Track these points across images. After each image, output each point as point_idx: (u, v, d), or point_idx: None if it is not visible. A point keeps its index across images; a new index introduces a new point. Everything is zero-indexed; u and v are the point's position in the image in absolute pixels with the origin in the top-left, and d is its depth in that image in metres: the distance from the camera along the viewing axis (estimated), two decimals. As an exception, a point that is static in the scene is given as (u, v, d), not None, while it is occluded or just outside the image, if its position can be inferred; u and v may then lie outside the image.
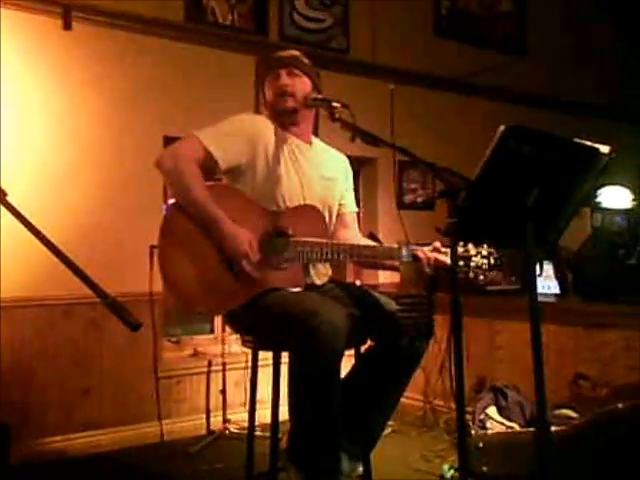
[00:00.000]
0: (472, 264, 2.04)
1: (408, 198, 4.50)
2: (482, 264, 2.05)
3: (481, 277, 2.03)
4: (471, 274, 2.03)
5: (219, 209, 1.95)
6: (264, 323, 1.98)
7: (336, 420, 1.88)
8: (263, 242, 2.01)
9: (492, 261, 2.05)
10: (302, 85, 2.16)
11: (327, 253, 2.02)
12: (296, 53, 2.24)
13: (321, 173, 2.23)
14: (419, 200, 4.55)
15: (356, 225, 2.36)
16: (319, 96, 2.15)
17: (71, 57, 3.34)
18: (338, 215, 2.30)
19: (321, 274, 2.17)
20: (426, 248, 2.10)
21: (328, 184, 2.24)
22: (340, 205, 2.30)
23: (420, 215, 4.31)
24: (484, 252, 2.04)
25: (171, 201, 2.08)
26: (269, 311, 1.94)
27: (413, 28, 4.59)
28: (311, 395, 1.85)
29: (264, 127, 2.15)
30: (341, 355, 1.84)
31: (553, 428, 2.32)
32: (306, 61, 2.23)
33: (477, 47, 4.86)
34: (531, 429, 2.73)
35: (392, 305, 2.10)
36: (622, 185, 5.01)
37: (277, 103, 2.17)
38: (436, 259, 2.07)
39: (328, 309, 1.83)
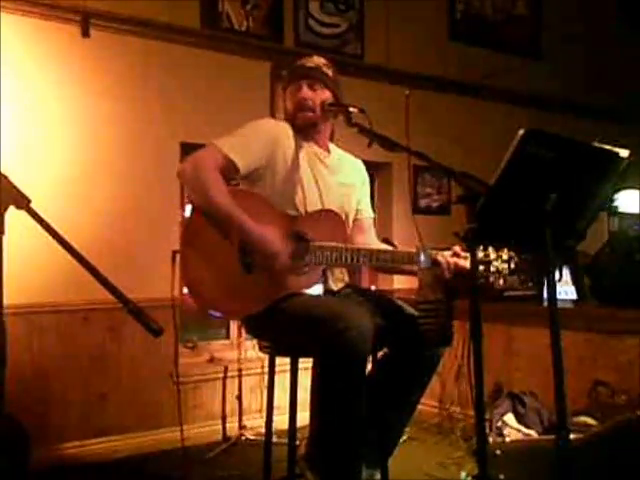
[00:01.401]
0: (492, 269, 2.03)
1: (423, 203, 4.49)
2: (502, 269, 2.03)
3: (501, 281, 2.01)
4: (492, 279, 2.01)
5: (244, 214, 1.95)
6: (285, 327, 1.97)
7: (359, 426, 1.87)
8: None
9: (513, 265, 2.03)
10: (323, 98, 2.15)
11: (346, 257, 2.02)
12: (321, 61, 2.21)
13: (339, 179, 2.23)
14: (434, 205, 4.53)
15: (373, 230, 2.36)
16: (328, 97, 2.14)
17: (89, 64, 3.37)
18: (355, 220, 2.30)
19: (338, 279, 2.17)
20: (446, 253, 2.09)
21: (346, 190, 2.24)
22: (357, 211, 2.30)
23: (435, 220, 4.30)
24: (505, 256, 2.02)
25: (188, 207, 2.09)
26: (291, 315, 1.94)
27: (427, 32, 4.59)
28: (336, 400, 1.84)
29: (283, 132, 2.15)
30: (366, 360, 1.84)
31: (572, 436, 2.29)
32: (330, 71, 2.20)
33: (492, 51, 4.85)
34: (550, 436, 2.71)
35: (411, 311, 2.10)
36: (639, 189, 4.97)
37: (297, 115, 2.17)
38: (456, 264, 2.05)
39: (354, 313, 1.83)
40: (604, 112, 5.16)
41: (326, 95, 2.16)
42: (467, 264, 2.00)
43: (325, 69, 2.19)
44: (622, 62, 5.31)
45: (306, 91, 2.15)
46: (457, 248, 2.09)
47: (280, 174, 2.09)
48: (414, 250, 2.07)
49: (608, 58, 5.26)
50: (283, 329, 1.99)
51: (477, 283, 1.71)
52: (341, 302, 1.97)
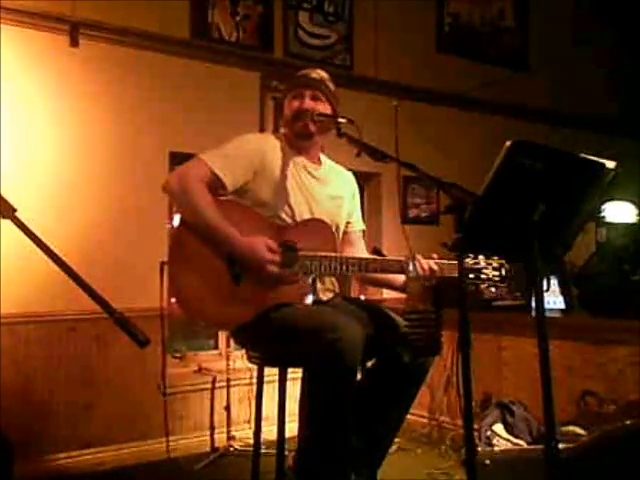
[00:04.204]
0: (483, 276, 2.03)
1: (412, 213, 4.51)
2: (493, 276, 2.03)
3: (492, 289, 2.02)
4: (482, 286, 2.01)
5: (230, 227, 1.95)
6: (275, 337, 1.97)
7: (348, 436, 1.86)
8: None
9: (503, 273, 2.03)
10: (323, 111, 2.15)
11: (335, 267, 2.02)
12: (324, 75, 2.23)
13: (328, 192, 2.24)
14: (423, 215, 4.55)
15: (362, 243, 2.36)
16: (326, 110, 2.16)
17: (78, 74, 3.36)
18: (345, 233, 2.30)
19: (327, 289, 2.17)
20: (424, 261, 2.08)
21: (336, 202, 2.25)
22: (347, 223, 2.31)
23: (424, 230, 4.31)
24: (495, 264, 2.03)
25: (176, 217, 2.08)
26: (281, 325, 1.94)
27: (416, 44, 4.62)
28: (326, 410, 1.84)
29: (270, 146, 2.16)
30: (357, 370, 1.84)
31: (561, 445, 2.29)
32: (332, 86, 2.22)
33: (480, 62, 4.89)
34: (538, 446, 2.71)
35: (399, 321, 2.09)
36: (626, 200, 5.01)
37: (295, 124, 2.17)
38: (430, 268, 2.05)
39: (345, 324, 1.83)
40: (591, 123, 5.21)
41: (326, 108, 2.17)
42: (432, 264, 2.01)
43: (328, 83, 2.22)
44: (609, 73, 5.38)
45: (308, 101, 2.16)
46: (434, 255, 2.09)
47: (268, 187, 2.09)
48: (403, 258, 2.08)
49: (595, 70, 5.32)
50: (272, 339, 1.98)
51: (465, 292, 1.71)
52: (331, 312, 1.97)
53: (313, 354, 1.81)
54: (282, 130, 2.28)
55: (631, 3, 5.04)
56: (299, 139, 2.19)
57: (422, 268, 2.05)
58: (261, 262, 1.94)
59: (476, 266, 2.03)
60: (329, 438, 1.85)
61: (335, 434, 1.85)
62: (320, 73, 2.24)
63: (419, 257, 2.07)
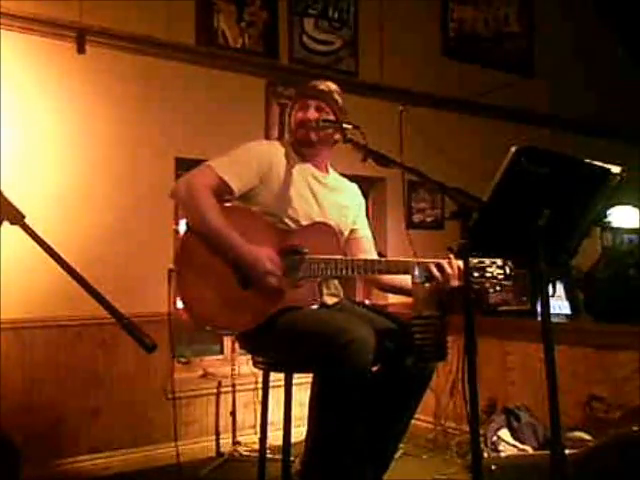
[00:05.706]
0: (487, 275, 2.03)
1: (417, 218, 4.51)
2: (497, 274, 2.03)
3: (497, 287, 2.02)
4: (487, 285, 2.02)
5: (236, 234, 1.97)
6: (283, 342, 1.97)
7: (360, 440, 1.86)
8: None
9: (507, 271, 2.04)
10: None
11: (341, 269, 2.03)
12: (333, 87, 2.24)
13: (336, 199, 2.26)
14: (428, 220, 4.55)
15: (374, 252, 2.36)
16: (330, 118, 2.17)
17: (84, 80, 3.38)
18: (354, 240, 2.31)
19: (332, 294, 2.17)
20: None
21: (342, 212, 2.27)
22: (355, 230, 2.32)
23: (429, 235, 4.31)
24: (499, 262, 2.03)
25: (182, 222, 2.10)
26: (289, 329, 1.95)
27: (421, 50, 4.63)
28: (340, 413, 1.83)
29: (276, 153, 2.18)
30: (368, 372, 1.84)
31: (567, 451, 2.28)
32: (339, 98, 2.23)
33: (485, 68, 4.89)
34: (545, 452, 2.70)
35: (404, 326, 2.09)
36: (632, 205, 5.00)
37: (298, 133, 2.19)
38: (458, 267, 2.03)
39: (356, 327, 1.84)
40: (595, 129, 5.21)
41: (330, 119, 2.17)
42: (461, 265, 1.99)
43: (336, 95, 2.22)
44: (615, 78, 5.37)
45: (312, 112, 2.17)
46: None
47: (275, 192, 2.11)
48: (408, 259, 2.08)
49: (600, 74, 5.32)
50: (280, 344, 1.99)
51: (471, 295, 1.71)
52: (341, 315, 1.98)
53: (325, 357, 1.81)
54: (287, 136, 2.30)
55: (632, 4, 5.04)
56: (302, 147, 2.21)
57: (452, 269, 2.04)
58: (261, 273, 1.96)
59: (480, 265, 2.04)
60: (342, 440, 1.85)
61: (348, 436, 1.85)
62: (329, 85, 2.24)
63: (451, 257, 2.05)
